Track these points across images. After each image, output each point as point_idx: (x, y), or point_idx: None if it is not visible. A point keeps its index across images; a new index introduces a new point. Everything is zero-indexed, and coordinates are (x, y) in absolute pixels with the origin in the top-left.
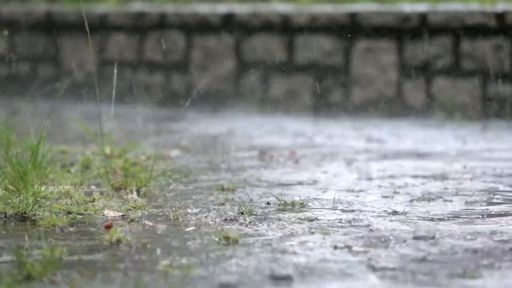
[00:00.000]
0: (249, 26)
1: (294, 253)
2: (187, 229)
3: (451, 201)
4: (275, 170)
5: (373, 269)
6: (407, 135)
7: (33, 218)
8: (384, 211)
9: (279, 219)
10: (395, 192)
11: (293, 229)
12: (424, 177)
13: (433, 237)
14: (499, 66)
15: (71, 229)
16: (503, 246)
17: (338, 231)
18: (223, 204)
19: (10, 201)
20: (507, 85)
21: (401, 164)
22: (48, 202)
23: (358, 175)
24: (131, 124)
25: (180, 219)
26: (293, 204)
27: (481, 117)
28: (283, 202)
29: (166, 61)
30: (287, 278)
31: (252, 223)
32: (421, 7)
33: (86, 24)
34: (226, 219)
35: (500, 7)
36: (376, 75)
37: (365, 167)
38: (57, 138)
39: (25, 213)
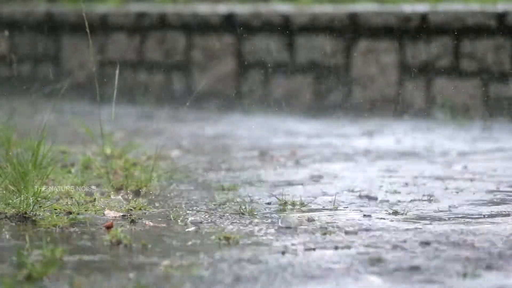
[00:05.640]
0: (249, 26)
1: (295, 253)
2: (187, 230)
3: (452, 201)
4: (275, 170)
5: (373, 268)
6: (408, 135)
7: (33, 218)
8: (385, 211)
9: (280, 220)
10: (395, 192)
11: (293, 229)
12: (425, 177)
13: (433, 237)
14: (499, 66)
15: (71, 229)
16: (504, 246)
17: (338, 231)
18: (224, 204)
19: (10, 201)
20: (507, 85)
21: (402, 164)
22: (49, 202)
23: (359, 175)
24: (131, 124)
25: (181, 219)
26: (293, 204)
27: (482, 118)
28: (283, 202)
29: (167, 61)
30: (288, 278)
31: (253, 224)
32: (421, 7)
33: (87, 24)
34: (226, 219)
35: (500, 7)
36: (376, 75)
37: (365, 167)
38: (58, 138)
39: (25, 213)
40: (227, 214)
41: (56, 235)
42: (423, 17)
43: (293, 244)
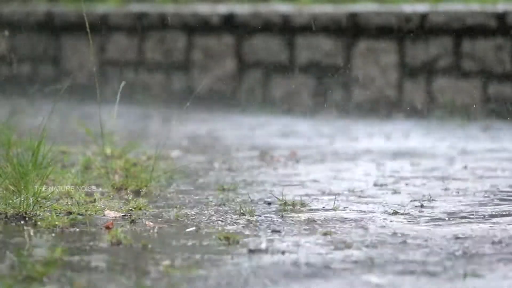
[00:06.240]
0: (249, 26)
1: (295, 253)
2: (187, 230)
3: (452, 201)
4: (275, 170)
5: (373, 268)
6: (408, 135)
7: (33, 218)
8: (385, 211)
9: (280, 220)
10: (395, 193)
11: (293, 229)
12: (425, 177)
13: (433, 238)
14: (499, 66)
15: (71, 229)
16: (504, 246)
17: (338, 231)
18: (224, 205)
19: (10, 201)
20: (507, 85)
21: (402, 164)
22: (49, 202)
23: (359, 175)
24: (131, 124)
25: (181, 220)
26: (293, 204)
27: (482, 118)
28: (283, 203)
29: (167, 61)
30: (289, 279)
31: (253, 224)
32: (421, 7)
33: (87, 24)
34: (226, 220)
35: (500, 7)
36: (376, 75)
37: (365, 167)
38: (58, 138)
39: (25, 213)
40: (227, 214)
41: (57, 235)
42: (423, 17)
43: (293, 245)
